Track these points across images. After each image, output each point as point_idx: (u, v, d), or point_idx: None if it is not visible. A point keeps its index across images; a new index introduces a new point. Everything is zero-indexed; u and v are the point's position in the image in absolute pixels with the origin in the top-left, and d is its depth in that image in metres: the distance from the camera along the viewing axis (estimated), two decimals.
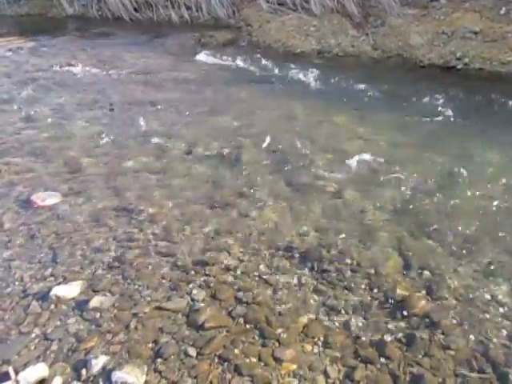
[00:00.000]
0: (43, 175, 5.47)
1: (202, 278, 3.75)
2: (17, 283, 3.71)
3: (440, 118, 7.07)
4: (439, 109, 7.45)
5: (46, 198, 4.87)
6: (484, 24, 9.97)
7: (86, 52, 12.02)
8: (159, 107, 7.85)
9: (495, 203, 4.73)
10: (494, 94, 7.96)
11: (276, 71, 9.93)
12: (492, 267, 3.85)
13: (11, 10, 18.77)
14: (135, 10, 16.19)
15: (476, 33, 9.93)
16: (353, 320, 3.32)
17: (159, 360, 2.99)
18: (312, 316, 3.37)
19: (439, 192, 4.98)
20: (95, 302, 3.47)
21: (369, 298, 3.54)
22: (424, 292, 3.59)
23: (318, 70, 9.65)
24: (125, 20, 16.19)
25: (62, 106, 7.94)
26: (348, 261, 3.95)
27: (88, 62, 10.88)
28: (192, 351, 3.05)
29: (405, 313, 3.38)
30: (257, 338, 3.17)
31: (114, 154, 6.01)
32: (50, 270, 3.85)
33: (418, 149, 6.04)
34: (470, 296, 3.54)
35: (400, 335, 3.20)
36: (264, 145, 6.12)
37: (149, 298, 3.53)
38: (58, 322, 3.31)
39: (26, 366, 2.91)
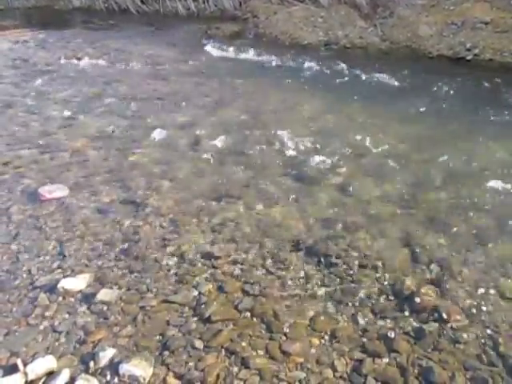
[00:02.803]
0: (50, 168, 5.48)
1: (208, 271, 3.74)
2: (25, 276, 3.72)
3: (449, 110, 6.99)
4: (448, 100, 7.37)
5: (53, 191, 4.88)
6: (494, 14, 9.83)
7: (92, 45, 12.00)
8: (166, 99, 7.83)
9: (505, 196, 4.68)
10: (504, 85, 7.86)
11: (283, 63, 9.86)
12: (502, 260, 3.80)
13: (18, 2, 18.82)
14: (142, 1, 16.17)
15: (486, 23, 9.80)
16: (360, 313, 3.30)
17: (166, 353, 2.99)
18: (319, 309, 3.35)
19: (448, 184, 4.93)
20: (102, 294, 3.47)
21: (376, 292, 3.51)
22: (433, 285, 3.55)
23: (326, 61, 9.58)
24: (131, 12, 16.16)
25: (69, 98, 7.94)
26: (355, 254, 3.92)
27: (94, 54, 10.87)
28: (199, 344, 3.05)
29: (413, 306, 3.35)
30: (264, 331, 3.16)
31: (120, 147, 6.01)
32: (57, 263, 3.86)
33: (426, 140, 5.98)
34: (480, 289, 3.50)
35: (408, 329, 3.17)
36: (270, 137, 6.09)
37: (156, 291, 3.53)
38: (66, 315, 3.32)
39: (34, 358, 2.92)
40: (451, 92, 7.66)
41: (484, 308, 3.32)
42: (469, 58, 9.54)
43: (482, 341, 3.06)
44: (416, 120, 6.70)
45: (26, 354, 2.96)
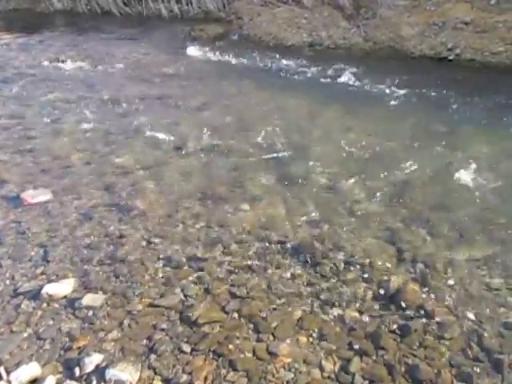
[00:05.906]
0: (33, 172, 5.40)
1: (194, 274, 3.72)
2: (8, 282, 3.66)
3: (432, 109, 7.07)
4: (430, 100, 7.46)
5: (36, 196, 4.81)
6: (475, 14, 9.97)
7: (75, 47, 11.90)
8: (150, 102, 7.79)
9: (488, 193, 4.74)
10: (485, 84, 7.98)
11: (267, 65, 9.89)
12: (485, 256, 3.86)
13: None
14: (124, 3, 16.09)
15: (467, 23, 9.95)
16: (347, 312, 3.31)
17: (153, 357, 2.96)
18: (306, 309, 3.35)
19: (431, 182, 4.99)
20: (88, 299, 3.43)
21: (363, 290, 3.53)
22: (418, 283, 3.59)
23: (310, 62, 9.63)
24: (114, 14, 16.07)
25: (52, 102, 7.85)
26: (341, 253, 3.94)
27: (77, 57, 10.77)
28: (186, 347, 3.03)
29: (399, 304, 3.38)
30: (251, 332, 3.15)
31: (104, 150, 5.95)
32: (41, 268, 3.80)
33: (410, 140, 6.03)
34: (464, 286, 3.54)
35: (395, 326, 3.19)
36: (255, 138, 6.09)
37: (142, 295, 3.49)
38: (51, 321, 3.27)
39: (18, 365, 2.87)
40: (433, 92, 7.75)
41: (468, 304, 3.36)
42: (450, 57, 9.67)
43: (467, 337, 3.09)
44: (399, 120, 6.76)
45: (10, 362, 2.91)
